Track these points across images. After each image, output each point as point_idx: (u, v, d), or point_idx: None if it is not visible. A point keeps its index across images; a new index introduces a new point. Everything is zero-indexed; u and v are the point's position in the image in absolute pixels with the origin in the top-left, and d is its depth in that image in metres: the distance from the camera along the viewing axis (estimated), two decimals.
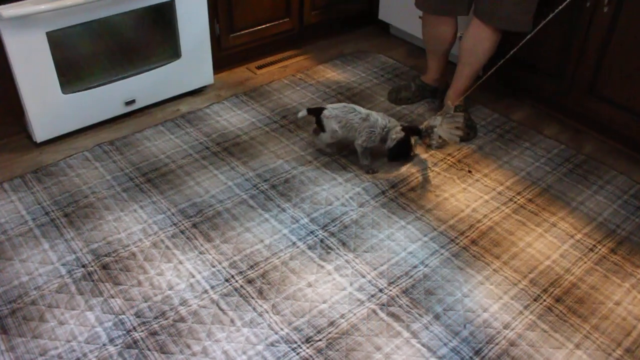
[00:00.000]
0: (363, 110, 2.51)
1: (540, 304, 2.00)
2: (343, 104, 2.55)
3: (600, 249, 2.22)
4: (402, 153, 2.55)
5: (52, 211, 2.27)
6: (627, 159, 2.70)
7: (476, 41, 2.66)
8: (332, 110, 2.50)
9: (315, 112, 2.54)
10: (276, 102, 2.96)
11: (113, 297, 1.95)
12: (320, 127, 2.53)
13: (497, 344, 1.87)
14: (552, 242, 2.24)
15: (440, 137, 2.51)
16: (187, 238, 2.18)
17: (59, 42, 2.43)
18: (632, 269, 2.14)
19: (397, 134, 2.49)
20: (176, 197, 2.36)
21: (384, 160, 2.59)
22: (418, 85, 2.99)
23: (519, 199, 2.43)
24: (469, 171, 2.55)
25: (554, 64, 2.79)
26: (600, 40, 2.57)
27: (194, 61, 2.88)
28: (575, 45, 2.67)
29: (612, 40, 2.53)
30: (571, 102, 2.81)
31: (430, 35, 2.85)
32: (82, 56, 2.55)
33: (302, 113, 2.58)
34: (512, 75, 3.03)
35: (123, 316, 1.90)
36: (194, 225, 2.23)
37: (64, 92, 2.53)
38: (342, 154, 2.62)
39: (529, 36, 2.46)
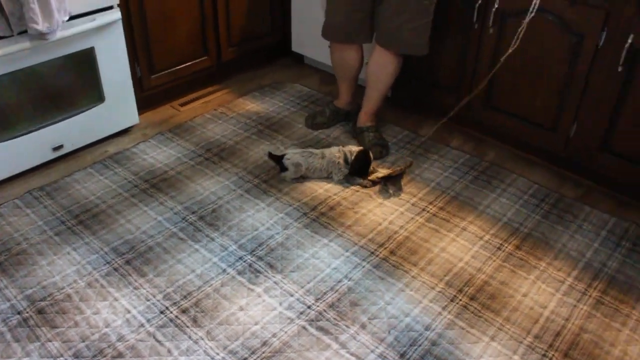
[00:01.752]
0: (318, 151, 2.63)
1: (457, 303, 2.04)
2: (301, 149, 2.66)
3: (506, 247, 2.28)
4: (361, 167, 2.59)
5: None
6: (524, 162, 2.79)
7: (380, 66, 2.72)
8: (294, 156, 2.59)
9: (277, 158, 2.62)
10: (200, 136, 2.94)
11: (50, 341, 1.88)
12: (282, 169, 2.61)
13: (420, 345, 1.90)
14: (463, 245, 2.29)
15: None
16: (121, 275, 2.13)
17: None
18: (535, 262, 2.22)
19: (354, 149, 2.60)
20: (108, 236, 2.30)
21: (298, 183, 2.60)
22: (332, 110, 3.02)
23: (431, 208, 2.48)
24: (385, 184, 2.59)
25: (453, 80, 2.87)
26: (490, 56, 2.67)
27: (118, 103, 2.83)
28: (469, 63, 2.76)
29: (498, 56, 2.63)
30: (471, 114, 2.89)
31: (338, 63, 2.90)
32: (6, 105, 2.46)
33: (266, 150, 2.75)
34: (417, 93, 3.11)
35: (61, 359, 1.83)
36: (127, 262, 2.18)
37: None
38: (262, 179, 2.62)
39: (493, 71, 2.52)
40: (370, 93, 2.83)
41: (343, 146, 2.65)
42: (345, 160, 2.59)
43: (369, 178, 2.59)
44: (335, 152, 2.61)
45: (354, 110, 3.01)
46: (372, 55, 2.74)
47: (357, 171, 2.60)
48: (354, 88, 2.97)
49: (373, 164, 2.62)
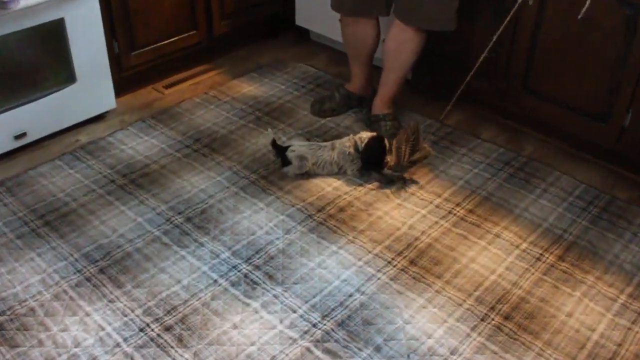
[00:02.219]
0: (327, 143, 2.64)
1: (488, 323, 2.03)
2: (307, 142, 2.67)
3: (547, 258, 2.26)
4: (374, 156, 2.57)
5: None
6: (570, 158, 2.78)
7: (399, 44, 2.70)
8: (299, 148, 2.60)
9: (279, 149, 2.63)
10: (187, 124, 2.93)
11: None
12: (285, 162, 2.61)
13: None
14: (496, 255, 2.27)
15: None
16: (94, 286, 2.12)
17: None
18: (582, 276, 2.19)
19: (365, 136, 2.59)
20: (79, 240, 2.29)
21: (303, 179, 2.59)
22: (343, 95, 3.01)
23: (458, 211, 2.46)
24: (404, 182, 2.57)
25: (485, 62, 2.83)
26: (529, 34, 2.64)
27: (91, 85, 2.83)
28: (505, 41, 2.73)
29: (540, 33, 2.61)
30: (506, 101, 2.87)
31: (350, 39, 2.88)
32: None
33: (268, 136, 2.68)
34: (441, 76, 3.08)
35: None
36: (101, 271, 2.17)
37: None
38: (261, 175, 2.61)
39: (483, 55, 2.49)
40: (387, 75, 2.82)
41: (354, 135, 2.62)
42: (356, 149, 2.57)
43: (385, 170, 2.57)
44: (345, 142, 2.61)
45: (368, 96, 3.00)
46: (389, 31, 2.72)
47: (368, 162, 2.58)
48: (369, 69, 2.96)
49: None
